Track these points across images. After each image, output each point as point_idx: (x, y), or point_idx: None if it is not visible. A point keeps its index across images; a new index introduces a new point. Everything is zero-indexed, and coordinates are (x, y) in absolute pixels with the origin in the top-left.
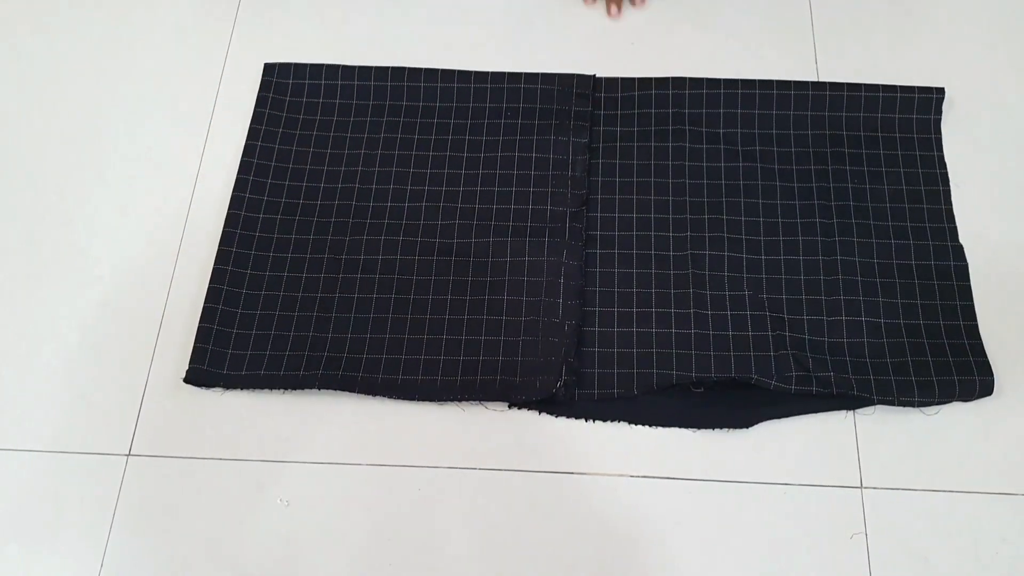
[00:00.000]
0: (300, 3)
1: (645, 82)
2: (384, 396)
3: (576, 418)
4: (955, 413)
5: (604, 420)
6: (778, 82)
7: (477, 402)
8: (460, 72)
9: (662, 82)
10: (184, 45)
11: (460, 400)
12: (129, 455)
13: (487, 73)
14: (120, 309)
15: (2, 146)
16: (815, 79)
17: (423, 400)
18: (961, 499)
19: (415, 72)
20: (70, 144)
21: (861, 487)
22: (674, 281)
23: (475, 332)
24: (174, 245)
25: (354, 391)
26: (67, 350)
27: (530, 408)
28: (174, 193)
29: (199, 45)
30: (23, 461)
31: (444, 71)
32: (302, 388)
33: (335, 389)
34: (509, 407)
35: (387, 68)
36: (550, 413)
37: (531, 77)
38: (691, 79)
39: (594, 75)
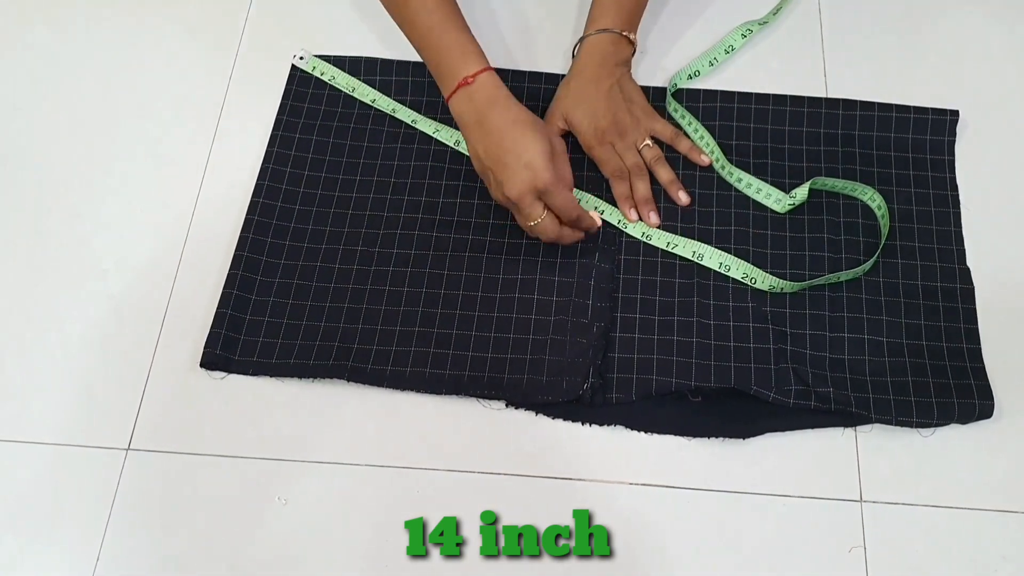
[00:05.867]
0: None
1: (658, 92)
2: (411, 390)
3: (573, 421)
4: (958, 429)
5: (601, 424)
6: (792, 97)
7: (486, 401)
8: (495, 69)
9: (676, 93)
10: (194, 40)
11: (486, 397)
12: (128, 449)
13: (524, 73)
14: (124, 303)
15: (9, 139)
16: (824, 94)
17: (449, 394)
18: (962, 515)
19: None
20: (78, 138)
21: (861, 501)
22: (679, 289)
23: (504, 330)
24: (180, 240)
25: (382, 385)
26: (70, 343)
27: (535, 410)
28: (180, 189)
29: (209, 40)
30: (23, 452)
31: None
32: (329, 377)
33: (362, 383)
34: (507, 406)
35: (413, 63)
36: (548, 415)
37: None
38: (705, 91)
39: None
